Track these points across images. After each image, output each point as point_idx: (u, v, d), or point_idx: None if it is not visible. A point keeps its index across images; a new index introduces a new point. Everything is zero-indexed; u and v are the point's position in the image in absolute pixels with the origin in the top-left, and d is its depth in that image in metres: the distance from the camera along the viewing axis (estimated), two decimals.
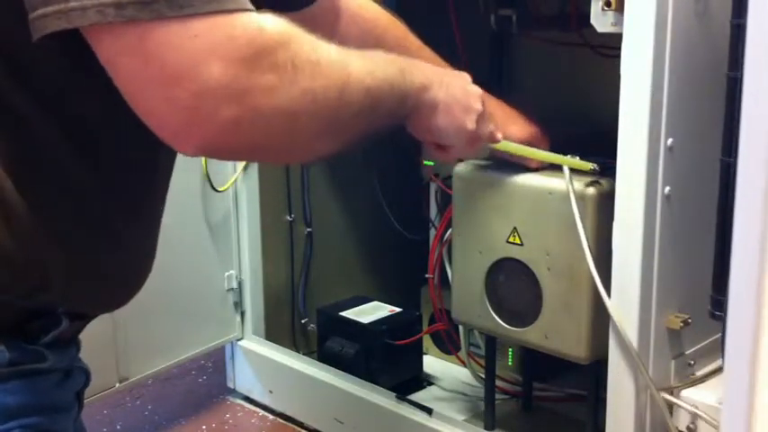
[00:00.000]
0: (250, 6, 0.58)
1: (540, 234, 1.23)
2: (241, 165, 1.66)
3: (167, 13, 0.54)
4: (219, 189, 1.62)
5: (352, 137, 0.69)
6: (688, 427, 1.16)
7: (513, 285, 1.28)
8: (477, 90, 0.91)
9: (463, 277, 1.35)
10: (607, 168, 1.22)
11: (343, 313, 1.68)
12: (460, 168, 1.31)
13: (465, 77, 0.91)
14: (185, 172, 1.55)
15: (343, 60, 0.65)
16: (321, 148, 0.68)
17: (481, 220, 1.31)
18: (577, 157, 1.22)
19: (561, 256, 1.22)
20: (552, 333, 1.26)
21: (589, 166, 1.21)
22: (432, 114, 0.83)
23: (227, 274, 1.70)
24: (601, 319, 1.17)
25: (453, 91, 0.86)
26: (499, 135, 0.96)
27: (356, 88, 0.65)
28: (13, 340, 0.67)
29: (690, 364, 1.22)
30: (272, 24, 0.59)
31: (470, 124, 0.88)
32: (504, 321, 1.30)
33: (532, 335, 1.28)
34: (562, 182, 1.19)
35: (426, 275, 1.60)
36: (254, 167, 1.69)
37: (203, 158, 1.58)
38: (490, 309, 1.31)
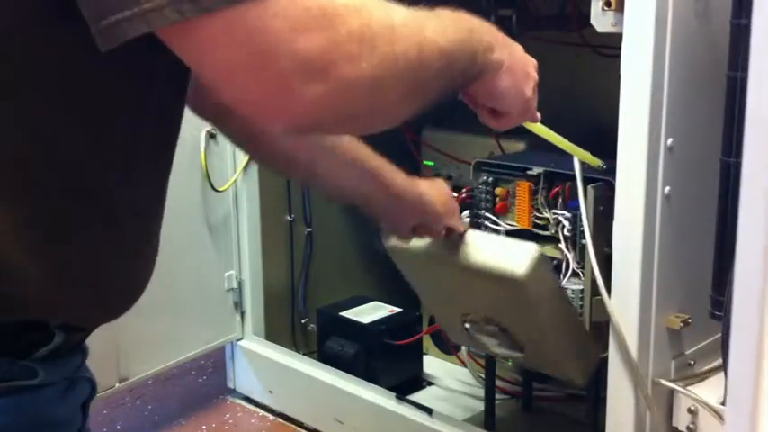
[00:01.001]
0: None
1: (495, 314, 1.22)
2: (241, 164, 1.66)
3: None
4: (219, 189, 1.62)
5: (431, 97, 0.69)
6: (688, 427, 1.16)
7: (492, 331, 1.26)
8: (532, 59, 0.90)
9: (443, 318, 1.35)
10: (611, 169, 1.23)
11: (343, 313, 1.68)
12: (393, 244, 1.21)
13: (520, 47, 0.88)
14: (185, 172, 1.55)
15: (417, 22, 0.65)
16: (404, 111, 0.68)
17: (433, 288, 1.29)
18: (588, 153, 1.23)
19: (522, 329, 1.22)
20: (544, 365, 1.27)
21: (598, 162, 1.21)
22: (496, 76, 0.80)
23: (227, 274, 1.70)
24: (586, 350, 1.18)
25: (516, 55, 0.85)
26: (537, 115, 0.94)
27: (432, 49, 0.65)
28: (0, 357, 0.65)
29: (690, 364, 1.22)
30: None
31: (529, 91, 0.87)
32: (496, 350, 1.29)
33: (528, 362, 1.28)
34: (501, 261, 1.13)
35: None
36: (255, 167, 1.68)
37: (203, 159, 1.58)
38: (479, 340, 1.29)
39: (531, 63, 0.89)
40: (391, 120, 0.69)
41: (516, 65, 0.85)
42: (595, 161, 1.21)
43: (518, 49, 0.86)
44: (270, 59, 0.56)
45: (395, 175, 1.01)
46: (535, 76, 0.88)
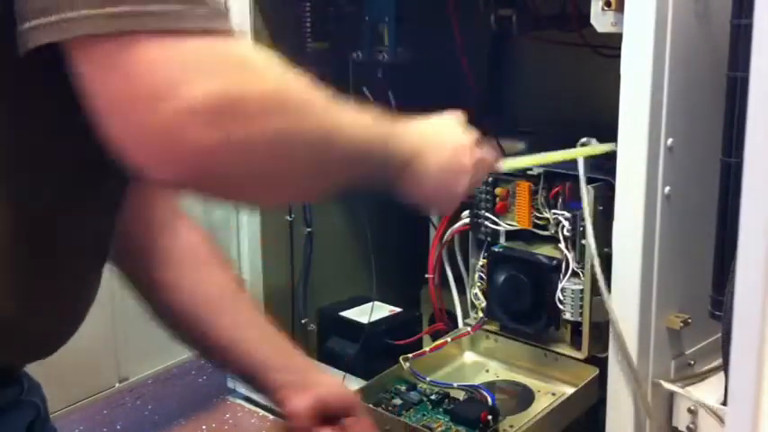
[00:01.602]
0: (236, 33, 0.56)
1: None
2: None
3: (161, 26, 0.51)
4: None
5: (336, 184, 0.66)
6: (688, 427, 1.16)
7: None
8: (465, 139, 0.81)
9: None
10: (606, 169, 1.23)
11: (343, 313, 1.68)
12: None
13: (451, 124, 0.81)
14: None
15: (336, 107, 0.62)
16: (300, 191, 0.65)
17: None
18: (593, 140, 1.20)
19: None
20: None
21: (604, 148, 1.17)
22: (420, 184, 0.75)
23: None
24: None
25: (441, 157, 0.77)
26: (500, 163, 0.91)
27: (343, 137, 0.63)
28: None
29: (690, 364, 1.22)
30: (265, 54, 0.57)
31: (461, 188, 0.80)
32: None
33: None
34: None
35: (426, 275, 1.60)
36: None
37: None
38: None
39: (462, 152, 0.80)
40: (284, 195, 0.65)
41: (444, 165, 0.77)
42: (600, 149, 1.18)
43: (449, 142, 0.79)
44: (163, 96, 0.51)
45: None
46: (468, 166, 0.80)
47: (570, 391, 1.28)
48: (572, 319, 1.28)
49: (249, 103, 0.54)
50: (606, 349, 1.19)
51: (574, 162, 1.32)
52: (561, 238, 1.28)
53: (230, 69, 0.53)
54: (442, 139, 0.78)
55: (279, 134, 0.56)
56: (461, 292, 1.55)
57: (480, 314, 1.42)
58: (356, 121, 0.65)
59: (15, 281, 0.63)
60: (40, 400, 0.76)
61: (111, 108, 0.52)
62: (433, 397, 1.30)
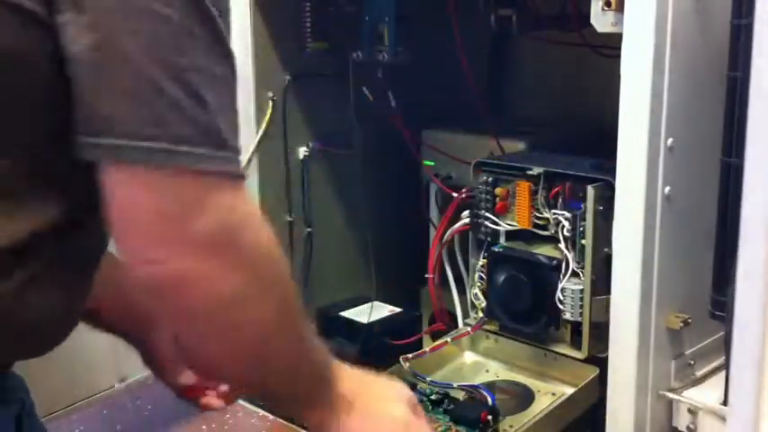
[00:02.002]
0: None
1: None
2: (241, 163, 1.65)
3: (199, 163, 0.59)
4: None
5: (263, 378, 0.68)
6: (688, 427, 1.16)
7: None
8: (404, 415, 0.75)
9: None
10: (606, 169, 1.23)
11: (343, 313, 1.68)
12: None
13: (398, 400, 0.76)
14: None
15: (299, 305, 0.68)
16: (226, 371, 0.68)
17: None
18: None
19: None
20: None
21: None
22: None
23: None
24: None
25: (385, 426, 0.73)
26: None
27: (291, 337, 0.68)
28: None
29: (690, 364, 1.22)
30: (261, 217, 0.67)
31: None
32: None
33: None
34: None
35: (426, 275, 1.60)
36: (254, 167, 1.68)
37: None
38: None
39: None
40: (208, 366, 0.67)
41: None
42: None
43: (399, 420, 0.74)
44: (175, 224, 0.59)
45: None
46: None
47: (570, 391, 1.28)
48: (572, 319, 1.28)
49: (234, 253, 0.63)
50: (606, 349, 1.19)
51: (574, 162, 1.32)
52: (561, 238, 1.28)
53: (238, 221, 0.63)
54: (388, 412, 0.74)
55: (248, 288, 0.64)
56: (461, 292, 1.55)
57: (480, 314, 1.42)
58: (309, 330, 0.70)
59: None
60: (24, 394, 0.77)
61: (127, 223, 0.60)
62: (433, 397, 1.30)
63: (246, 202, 0.64)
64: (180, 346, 0.69)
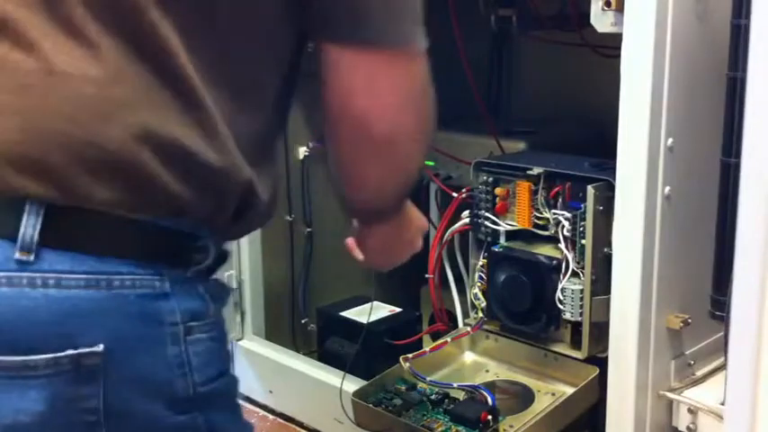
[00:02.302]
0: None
1: None
2: None
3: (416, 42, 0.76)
4: None
5: (399, 189, 0.89)
6: (688, 427, 1.16)
7: None
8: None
9: None
10: (606, 169, 1.23)
11: (343, 313, 1.68)
12: None
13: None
14: None
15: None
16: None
17: None
18: None
19: None
20: None
21: None
22: (402, 226, 0.98)
23: (227, 274, 1.70)
24: None
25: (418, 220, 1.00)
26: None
27: (420, 160, 0.88)
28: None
29: (690, 364, 1.22)
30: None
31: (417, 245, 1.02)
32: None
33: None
34: None
35: (426, 275, 1.60)
36: None
37: None
38: None
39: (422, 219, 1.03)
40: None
41: (414, 221, 1.00)
42: None
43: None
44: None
45: None
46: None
47: (570, 391, 1.28)
48: (572, 319, 1.28)
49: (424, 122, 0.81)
50: (606, 349, 1.19)
51: (574, 162, 1.32)
52: (561, 238, 1.28)
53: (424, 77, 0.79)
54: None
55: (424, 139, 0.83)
56: (461, 292, 1.55)
57: (480, 314, 1.42)
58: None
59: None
60: None
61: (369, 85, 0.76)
62: (433, 397, 1.30)
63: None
64: (347, 171, 0.87)
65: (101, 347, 0.64)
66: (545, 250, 1.33)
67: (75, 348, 0.63)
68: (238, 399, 0.80)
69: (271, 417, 1.71)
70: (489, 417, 1.21)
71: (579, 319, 1.27)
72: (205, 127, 0.68)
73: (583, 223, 1.24)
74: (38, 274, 0.64)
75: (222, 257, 0.77)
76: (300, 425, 1.66)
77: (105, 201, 0.65)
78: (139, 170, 0.65)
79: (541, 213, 1.32)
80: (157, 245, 0.69)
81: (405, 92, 0.77)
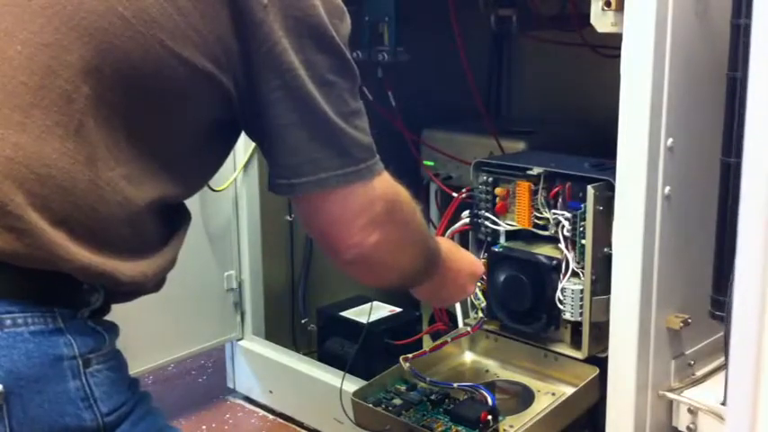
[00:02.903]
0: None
1: None
2: (241, 164, 1.66)
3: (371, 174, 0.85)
4: (216, 189, 1.61)
5: (409, 277, 1.03)
6: (688, 427, 1.16)
7: None
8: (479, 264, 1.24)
9: None
10: (606, 169, 1.23)
11: (343, 313, 1.68)
12: None
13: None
14: None
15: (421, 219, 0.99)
16: (400, 274, 0.99)
17: None
18: None
19: None
20: None
21: None
22: (444, 284, 1.12)
23: (227, 274, 1.70)
24: None
25: (463, 265, 1.16)
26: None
27: (427, 242, 1.01)
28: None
29: (690, 364, 1.22)
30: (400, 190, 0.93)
31: (470, 290, 1.22)
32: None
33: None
34: None
35: None
36: (254, 167, 1.69)
37: None
38: None
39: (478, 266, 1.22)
40: (396, 278, 1.00)
41: (466, 275, 1.17)
42: None
43: (465, 255, 1.20)
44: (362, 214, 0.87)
45: None
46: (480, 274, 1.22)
47: (570, 391, 1.28)
48: (572, 319, 1.28)
49: (403, 234, 0.93)
50: (606, 349, 1.19)
51: (574, 162, 1.32)
52: (561, 238, 1.28)
53: (391, 196, 0.90)
54: (463, 255, 1.18)
55: (408, 241, 0.95)
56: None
57: (480, 314, 1.42)
58: (425, 230, 1.01)
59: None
60: None
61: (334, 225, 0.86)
62: (433, 397, 1.30)
63: (391, 179, 0.89)
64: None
65: (0, 387, 0.64)
66: (545, 250, 1.33)
67: None
68: (156, 412, 0.83)
69: (271, 417, 1.72)
70: (489, 417, 1.21)
71: (579, 319, 1.27)
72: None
73: (583, 223, 1.24)
74: None
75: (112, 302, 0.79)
76: (300, 425, 1.67)
77: None
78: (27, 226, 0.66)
79: (541, 213, 1.32)
80: (48, 288, 0.69)
81: (367, 216, 0.85)
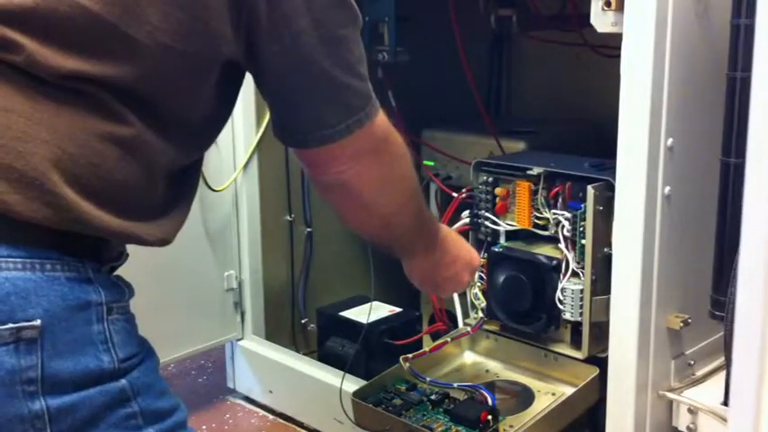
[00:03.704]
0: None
1: None
2: (241, 164, 1.66)
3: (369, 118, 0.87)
4: (216, 189, 1.61)
5: (394, 229, 1.01)
6: (688, 427, 1.16)
7: None
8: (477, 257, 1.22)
9: None
10: (606, 169, 1.23)
11: (343, 313, 1.68)
12: None
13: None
14: None
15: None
16: (381, 217, 0.98)
17: None
18: None
19: None
20: None
21: None
22: (439, 266, 1.12)
23: (226, 273, 1.70)
24: None
25: (462, 254, 1.16)
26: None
27: (408, 195, 1.00)
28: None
29: (690, 364, 1.22)
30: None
31: (468, 280, 1.20)
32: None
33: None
34: None
35: None
36: (254, 167, 1.69)
37: None
38: None
39: (475, 260, 1.19)
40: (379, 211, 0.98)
41: (463, 263, 1.16)
42: None
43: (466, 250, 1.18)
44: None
45: None
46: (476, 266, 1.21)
47: (570, 391, 1.28)
48: (572, 319, 1.28)
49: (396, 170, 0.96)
50: (606, 349, 1.19)
51: (574, 162, 1.32)
52: (561, 238, 1.28)
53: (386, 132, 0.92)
54: (463, 244, 1.18)
55: (390, 179, 0.96)
56: (461, 292, 1.55)
57: (480, 314, 1.42)
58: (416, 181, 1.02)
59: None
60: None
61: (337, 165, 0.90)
62: (433, 397, 1.30)
63: (385, 118, 0.91)
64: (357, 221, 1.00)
65: (38, 322, 0.70)
66: (545, 250, 1.33)
67: (16, 323, 0.69)
68: (161, 375, 0.89)
69: (271, 417, 1.72)
70: (489, 417, 1.21)
71: (579, 319, 1.27)
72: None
73: (583, 223, 1.24)
74: None
75: (125, 257, 0.86)
76: (300, 425, 1.66)
77: (31, 216, 0.72)
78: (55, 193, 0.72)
79: (541, 213, 1.32)
80: (78, 242, 0.75)
81: (356, 149, 0.87)
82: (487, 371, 1.42)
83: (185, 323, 1.62)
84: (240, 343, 1.75)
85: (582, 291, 1.26)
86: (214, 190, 1.61)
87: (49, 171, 0.71)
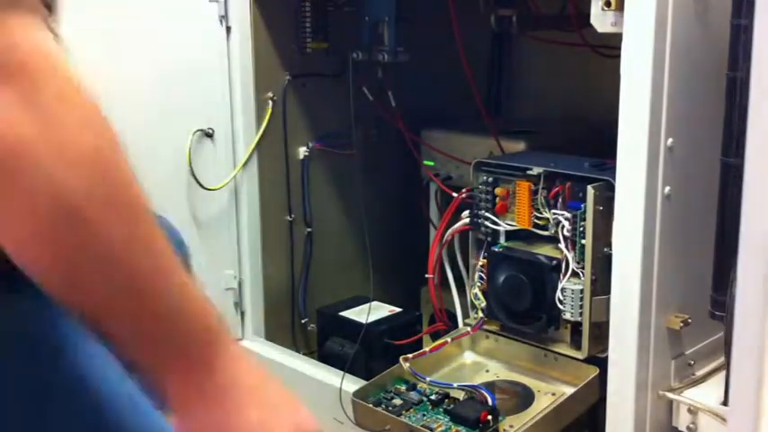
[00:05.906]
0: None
1: None
2: (240, 163, 1.66)
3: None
4: (209, 188, 1.61)
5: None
6: (688, 427, 1.16)
7: None
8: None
9: None
10: (606, 169, 1.23)
11: (343, 313, 1.68)
12: None
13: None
14: (180, 171, 1.55)
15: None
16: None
17: None
18: None
19: None
20: None
21: None
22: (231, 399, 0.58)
23: (226, 273, 1.70)
24: None
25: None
26: None
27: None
28: None
29: (690, 364, 1.22)
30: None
31: None
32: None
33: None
34: None
35: (426, 275, 1.60)
36: (254, 166, 1.68)
37: (187, 157, 1.58)
38: None
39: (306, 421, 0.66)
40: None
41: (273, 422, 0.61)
42: None
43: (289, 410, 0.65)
44: None
45: None
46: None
47: (570, 391, 1.28)
48: (572, 319, 1.28)
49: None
50: (606, 349, 1.19)
51: (574, 162, 1.32)
52: (561, 238, 1.28)
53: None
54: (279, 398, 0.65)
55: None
56: (461, 292, 1.55)
57: (480, 314, 1.42)
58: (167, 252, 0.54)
59: None
60: None
61: None
62: (433, 397, 1.30)
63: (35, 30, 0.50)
64: None
65: None
66: (545, 250, 1.33)
67: None
68: None
69: None
70: (489, 417, 1.21)
71: (579, 319, 1.27)
72: None
73: (583, 223, 1.24)
74: None
75: None
76: None
77: None
78: None
79: (541, 213, 1.32)
80: None
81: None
82: (487, 371, 1.42)
83: None
84: (240, 343, 1.75)
85: (582, 291, 1.26)
86: (207, 189, 1.61)
87: None
